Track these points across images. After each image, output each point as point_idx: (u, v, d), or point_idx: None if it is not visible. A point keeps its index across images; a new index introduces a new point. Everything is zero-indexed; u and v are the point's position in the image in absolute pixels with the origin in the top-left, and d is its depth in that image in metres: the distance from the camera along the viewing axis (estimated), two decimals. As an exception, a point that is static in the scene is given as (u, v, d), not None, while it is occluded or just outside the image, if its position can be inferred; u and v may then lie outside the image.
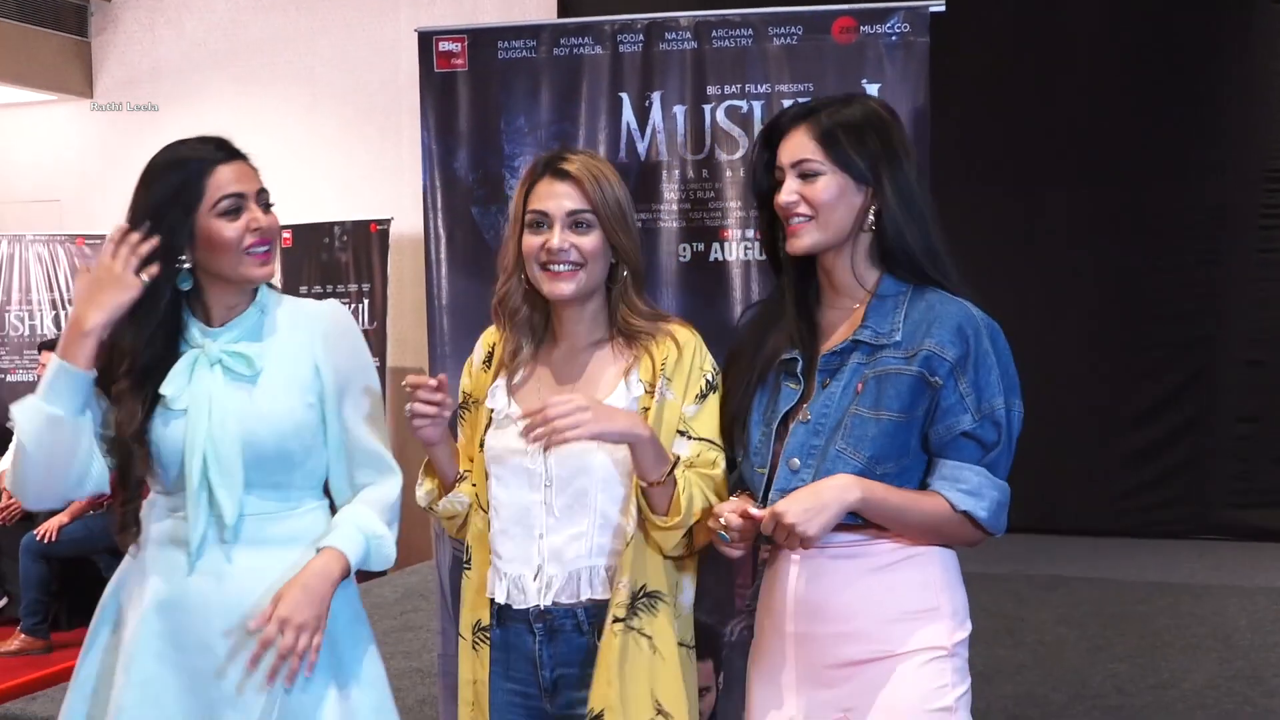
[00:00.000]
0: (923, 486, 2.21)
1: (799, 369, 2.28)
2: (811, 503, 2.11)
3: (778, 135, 2.31)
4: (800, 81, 3.29)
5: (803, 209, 2.24)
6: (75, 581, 6.50)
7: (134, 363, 2.22)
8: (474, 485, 2.45)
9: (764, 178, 2.34)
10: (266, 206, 2.27)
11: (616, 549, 2.34)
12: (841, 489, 2.13)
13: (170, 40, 9.19)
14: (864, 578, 2.20)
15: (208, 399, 2.22)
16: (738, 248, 3.32)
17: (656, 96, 3.38)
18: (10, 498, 6.48)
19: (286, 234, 7.37)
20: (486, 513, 2.43)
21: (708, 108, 3.36)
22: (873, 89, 3.26)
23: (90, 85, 9.37)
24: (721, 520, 2.19)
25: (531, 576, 2.36)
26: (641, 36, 3.40)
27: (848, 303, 2.30)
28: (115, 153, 9.26)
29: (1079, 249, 7.84)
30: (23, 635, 6.20)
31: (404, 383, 2.31)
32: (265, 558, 2.25)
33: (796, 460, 2.22)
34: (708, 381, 2.40)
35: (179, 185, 2.22)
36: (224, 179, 2.22)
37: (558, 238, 2.35)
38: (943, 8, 3.27)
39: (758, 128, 3.34)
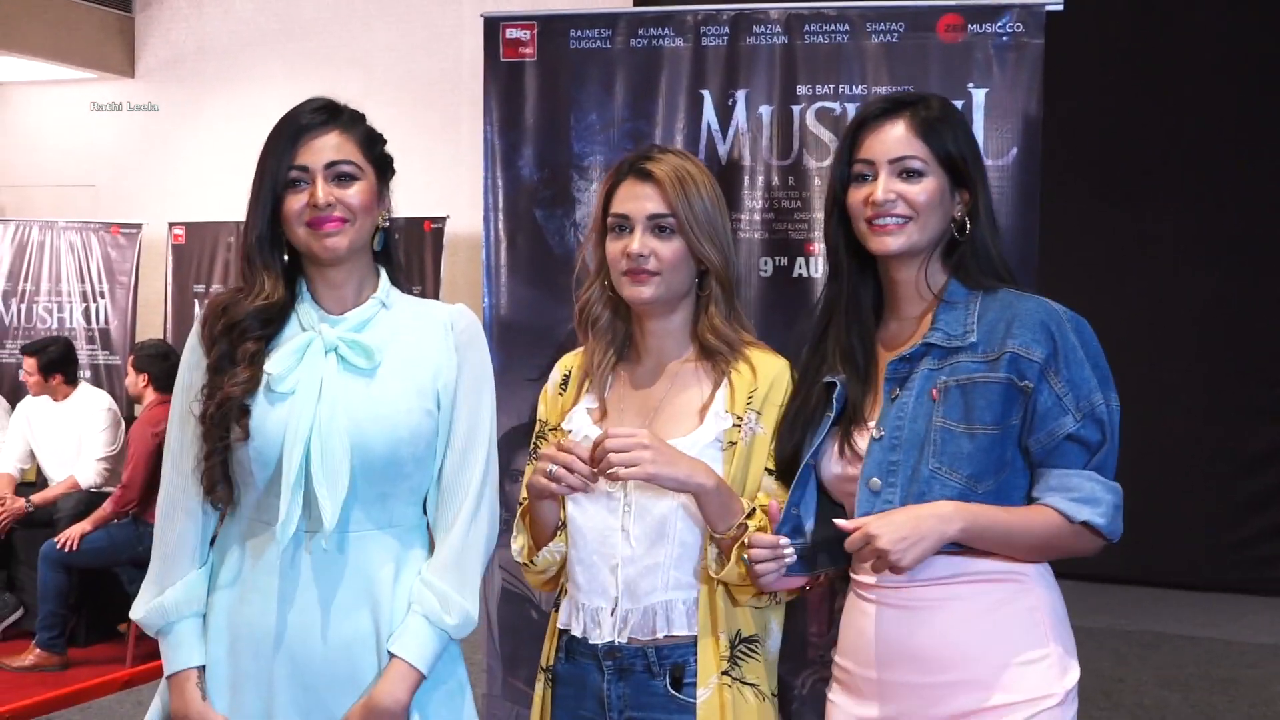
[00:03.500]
0: (1029, 500, 2.18)
1: (836, 394, 2.25)
2: (909, 531, 2.07)
3: (861, 129, 2.28)
4: (900, 84, 3.25)
5: (901, 209, 2.21)
6: (96, 595, 6.54)
7: (248, 327, 2.19)
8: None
9: (842, 171, 2.31)
10: (341, 179, 2.21)
11: (695, 584, 2.33)
12: (942, 519, 2.09)
13: (218, 17, 9.30)
14: (972, 621, 2.17)
15: (318, 384, 2.17)
16: (824, 264, 3.28)
17: (741, 95, 3.35)
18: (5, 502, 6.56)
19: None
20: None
21: (797, 109, 3.32)
22: (979, 94, 3.22)
23: (132, 64, 9.51)
24: (750, 548, 2.19)
25: (609, 610, 2.35)
26: (727, 29, 3.37)
27: (912, 310, 2.28)
28: (155, 136, 9.38)
29: (1193, 272, 7.72)
30: (38, 650, 6.24)
31: (558, 443, 2.28)
32: (368, 578, 2.19)
33: (877, 480, 2.18)
34: None
35: (266, 156, 2.23)
36: (298, 153, 2.20)
37: (638, 242, 2.34)
38: (1060, 6, 3.21)
39: (851, 133, 3.30)
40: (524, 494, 2.42)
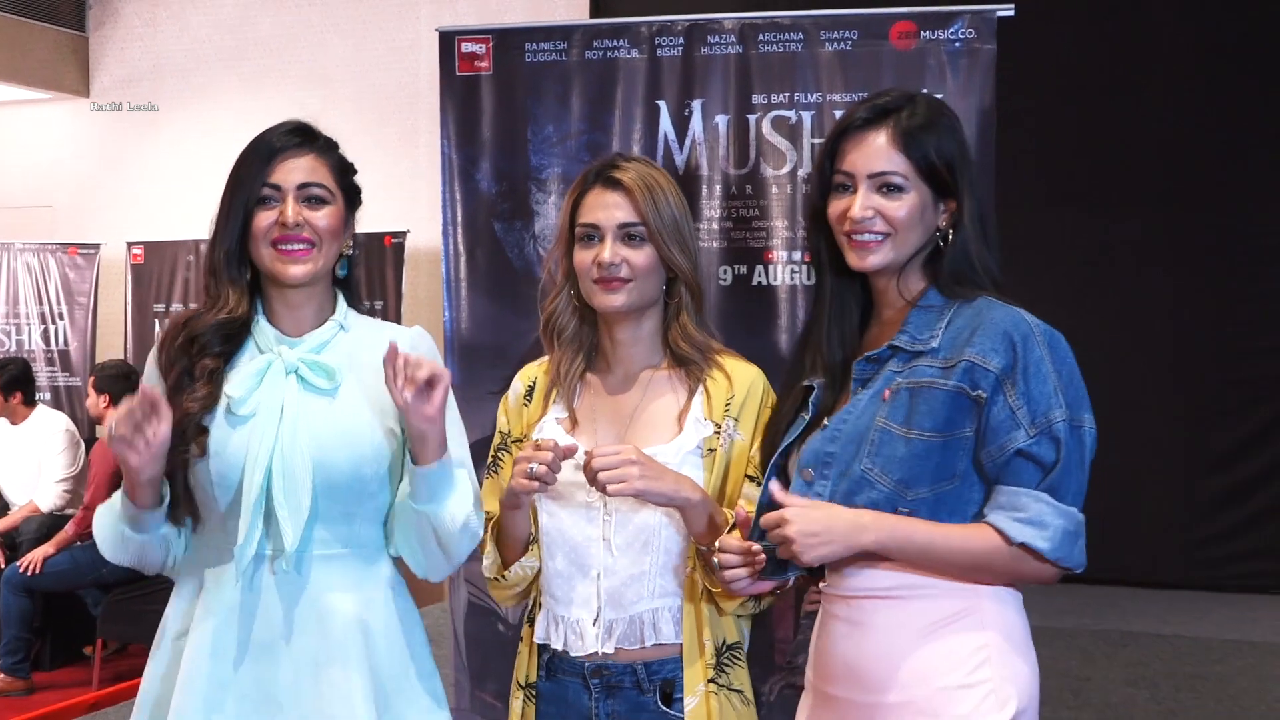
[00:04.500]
0: (980, 517, 2.12)
1: (813, 397, 2.23)
2: (821, 528, 2.06)
3: (843, 137, 2.21)
4: (854, 91, 3.28)
5: (879, 225, 2.16)
6: (60, 618, 6.51)
7: (208, 343, 2.18)
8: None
9: (824, 179, 2.24)
10: (311, 200, 2.21)
11: (681, 590, 2.34)
12: (857, 527, 2.07)
13: (173, 36, 9.26)
14: (913, 641, 2.13)
15: (279, 406, 2.16)
16: (784, 271, 3.30)
17: (697, 105, 3.37)
18: None
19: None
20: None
21: (753, 118, 3.34)
22: (933, 100, 3.24)
23: (87, 84, 9.45)
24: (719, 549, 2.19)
25: (591, 621, 2.34)
26: (681, 39, 3.38)
27: (891, 315, 2.24)
28: (113, 156, 9.33)
29: (1156, 274, 7.77)
30: (2, 675, 6.20)
31: (535, 443, 2.28)
32: (330, 601, 2.18)
33: (810, 471, 2.15)
34: None
35: (239, 172, 2.23)
36: (272, 171, 2.21)
37: (609, 251, 2.34)
38: (1011, 11, 3.24)
39: (807, 139, 3.32)
40: (487, 506, 2.41)
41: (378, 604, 2.22)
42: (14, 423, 6.74)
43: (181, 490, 2.16)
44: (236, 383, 2.18)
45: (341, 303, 2.31)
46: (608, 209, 2.37)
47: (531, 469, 2.23)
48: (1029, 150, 7.05)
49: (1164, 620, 7.12)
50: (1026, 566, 2.10)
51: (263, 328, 2.24)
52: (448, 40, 3.51)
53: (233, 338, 2.21)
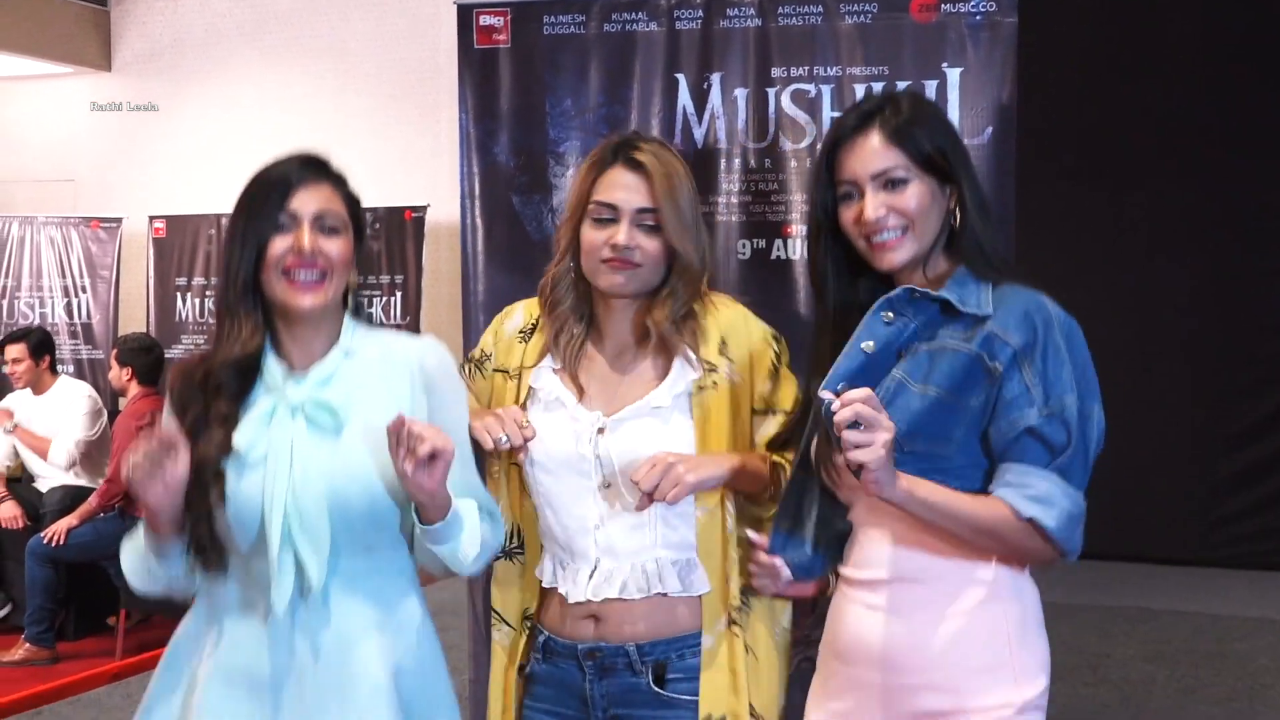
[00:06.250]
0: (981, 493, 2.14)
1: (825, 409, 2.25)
2: (889, 463, 2.00)
3: (836, 149, 2.23)
4: (874, 64, 3.26)
5: (894, 221, 2.16)
6: (83, 589, 6.56)
7: (223, 383, 2.19)
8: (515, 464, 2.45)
9: (825, 194, 2.25)
10: (326, 230, 2.21)
11: (687, 540, 2.36)
12: (893, 472, 2.04)
13: (194, 10, 9.27)
14: (934, 624, 2.15)
15: (289, 449, 2.17)
16: (802, 245, 3.29)
17: (716, 78, 3.36)
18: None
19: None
20: (521, 491, 2.45)
21: (772, 91, 3.33)
22: (953, 74, 3.23)
23: (108, 58, 9.48)
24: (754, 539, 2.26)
25: (588, 573, 2.36)
26: (700, 12, 3.37)
27: None
28: (134, 131, 9.35)
29: (1173, 251, 7.74)
30: (27, 645, 6.25)
31: (517, 418, 2.35)
32: (353, 625, 2.20)
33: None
34: (774, 351, 2.42)
35: (252, 202, 2.22)
36: (289, 201, 2.21)
37: (625, 234, 2.34)
38: (1033, -16, 3.23)
39: (826, 113, 3.31)
40: None
41: (403, 645, 2.24)
42: (37, 393, 6.78)
43: (207, 537, 2.18)
44: (244, 429, 2.19)
45: (348, 326, 2.29)
46: (627, 190, 2.35)
47: (504, 438, 2.30)
48: (1045, 126, 7.00)
49: (1184, 597, 7.11)
50: (1032, 542, 2.11)
51: (270, 366, 2.23)
52: (466, 14, 3.51)
53: (246, 372, 2.22)
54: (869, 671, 2.20)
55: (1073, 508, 2.10)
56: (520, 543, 2.47)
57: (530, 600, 2.46)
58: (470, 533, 2.23)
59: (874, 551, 2.19)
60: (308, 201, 2.21)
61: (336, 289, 2.23)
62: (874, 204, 2.17)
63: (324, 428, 2.20)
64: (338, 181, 2.28)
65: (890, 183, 2.17)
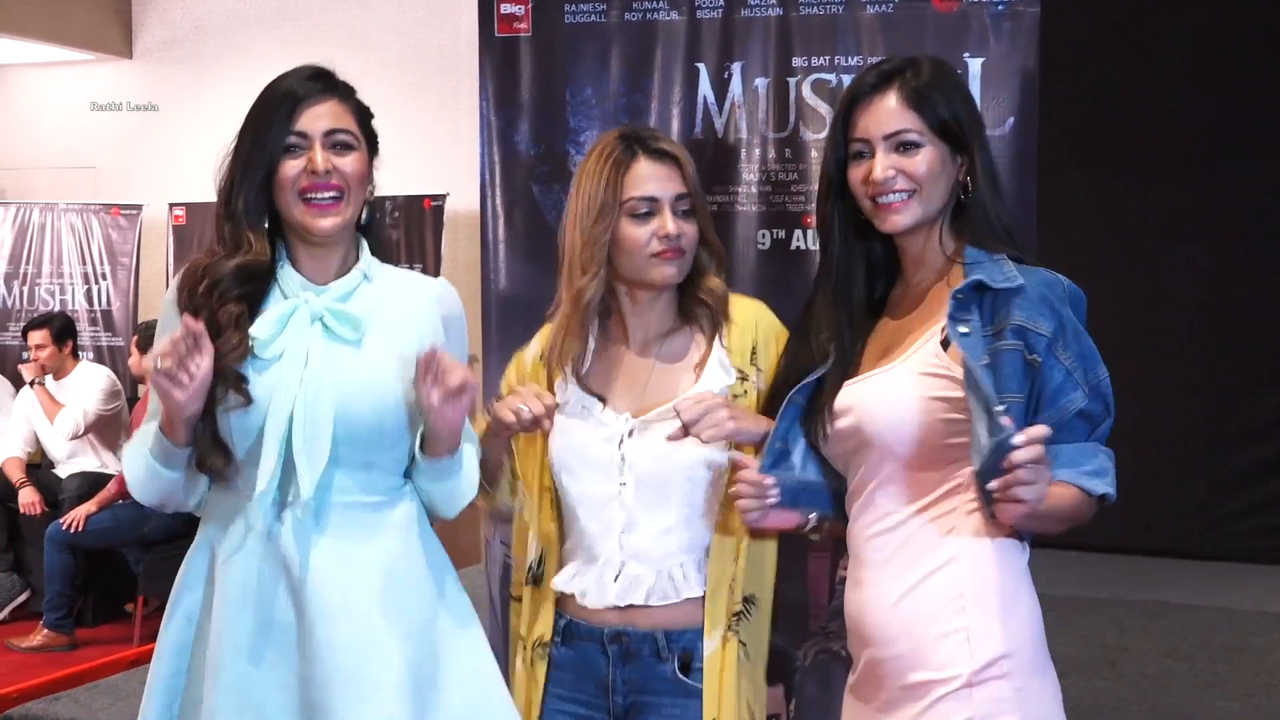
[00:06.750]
0: None
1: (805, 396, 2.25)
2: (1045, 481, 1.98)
3: (853, 106, 2.24)
4: (896, 54, 3.23)
5: (902, 184, 2.18)
6: (102, 575, 6.59)
7: (227, 289, 2.14)
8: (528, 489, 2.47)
9: (839, 150, 2.27)
10: (338, 147, 2.18)
11: (705, 543, 2.37)
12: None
13: (215, -3, 9.27)
14: (898, 597, 2.15)
15: (304, 352, 2.14)
16: (822, 236, 3.28)
17: (736, 68, 3.35)
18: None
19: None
20: (552, 518, 2.45)
21: (793, 81, 3.32)
22: (975, 64, 3.21)
23: (130, 45, 9.48)
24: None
25: (613, 576, 2.36)
26: (722, 1, 3.37)
27: (921, 279, 2.26)
28: (155, 118, 9.36)
29: (1188, 243, 7.68)
30: (46, 630, 6.29)
31: (540, 394, 2.32)
32: (353, 548, 2.16)
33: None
34: None
35: (259, 119, 2.19)
36: (297, 119, 2.18)
37: (672, 223, 2.34)
38: (1056, -25, 3.21)
39: (848, 104, 3.29)
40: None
41: (399, 550, 2.20)
42: (58, 378, 6.80)
43: (210, 438, 2.13)
44: (260, 325, 2.15)
45: (365, 252, 2.28)
46: (662, 181, 2.36)
47: (525, 409, 2.26)
48: (1069, 115, 6.97)
49: (1202, 592, 7.07)
50: (1091, 511, 2.14)
51: (288, 273, 2.21)
52: (487, 2, 3.50)
53: (253, 281, 2.18)
54: (859, 647, 2.23)
55: (1112, 464, 2.14)
56: (541, 567, 2.48)
57: (545, 629, 2.45)
58: (469, 475, 2.23)
59: (855, 530, 2.23)
60: (317, 119, 2.18)
61: (355, 206, 2.21)
62: (883, 164, 2.18)
63: (343, 338, 2.17)
64: (346, 94, 2.24)
65: (902, 145, 2.18)
